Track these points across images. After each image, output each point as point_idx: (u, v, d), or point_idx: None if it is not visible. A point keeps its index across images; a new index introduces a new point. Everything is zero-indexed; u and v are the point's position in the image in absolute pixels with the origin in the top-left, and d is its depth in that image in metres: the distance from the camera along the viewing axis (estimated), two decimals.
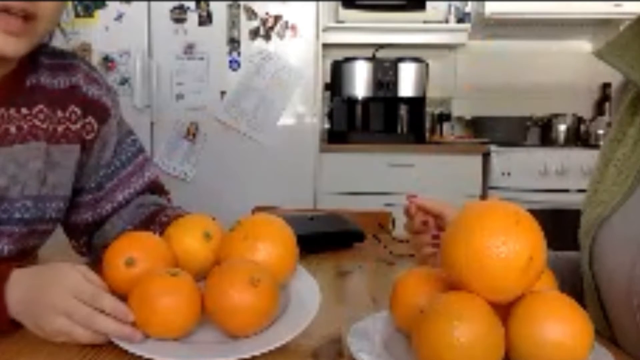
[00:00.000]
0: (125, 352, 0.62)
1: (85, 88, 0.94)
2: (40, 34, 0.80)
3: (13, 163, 0.85)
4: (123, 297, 0.65)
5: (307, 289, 0.73)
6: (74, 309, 0.63)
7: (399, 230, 1.47)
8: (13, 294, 0.66)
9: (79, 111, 0.93)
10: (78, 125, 0.93)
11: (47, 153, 0.89)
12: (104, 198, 0.98)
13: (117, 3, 2.62)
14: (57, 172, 0.91)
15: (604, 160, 0.74)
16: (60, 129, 0.91)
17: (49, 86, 0.91)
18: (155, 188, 1.05)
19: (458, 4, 3.14)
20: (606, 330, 0.72)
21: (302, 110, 2.73)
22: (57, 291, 0.64)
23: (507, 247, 0.54)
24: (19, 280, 0.67)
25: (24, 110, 0.87)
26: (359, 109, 3.10)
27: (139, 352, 0.61)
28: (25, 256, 0.91)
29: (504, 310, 0.57)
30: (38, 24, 0.78)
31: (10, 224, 0.86)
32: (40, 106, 0.88)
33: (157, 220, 0.92)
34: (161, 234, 0.76)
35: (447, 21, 3.12)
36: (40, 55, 0.92)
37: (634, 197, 0.68)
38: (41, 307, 0.64)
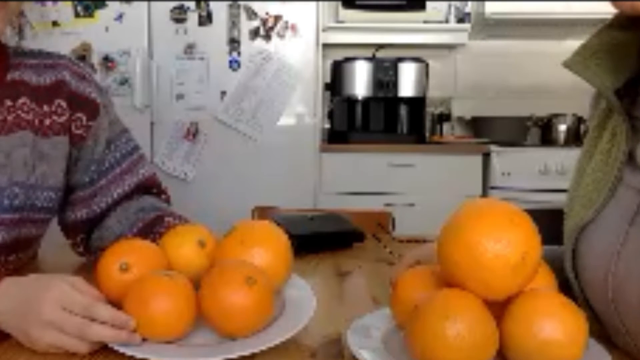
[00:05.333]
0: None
1: (73, 84, 0.95)
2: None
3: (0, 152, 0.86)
4: (117, 303, 0.64)
5: (302, 293, 0.73)
6: (64, 321, 0.62)
7: (399, 230, 1.47)
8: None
9: (65, 105, 0.94)
10: (64, 118, 0.94)
11: (34, 144, 0.90)
12: (97, 194, 0.99)
13: (117, 3, 2.62)
14: (46, 163, 0.92)
15: (581, 167, 0.75)
16: (47, 122, 0.92)
17: (33, 83, 0.92)
18: (152, 186, 1.05)
19: (458, 4, 3.13)
20: (602, 330, 0.72)
21: (302, 110, 2.72)
22: (45, 304, 0.62)
23: (500, 245, 0.55)
24: (5, 293, 0.66)
25: (7, 103, 0.89)
26: (359, 109, 3.10)
27: (133, 354, 0.61)
28: (20, 246, 0.92)
29: (500, 309, 0.57)
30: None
31: (0, 211, 0.86)
32: (24, 99, 0.90)
33: (155, 230, 0.93)
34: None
35: (447, 21, 3.12)
36: (23, 57, 0.94)
37: (612, 204, 0.68)
38: (29, 321, 0.62)
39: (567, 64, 0.71)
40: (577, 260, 0.71)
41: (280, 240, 0.73)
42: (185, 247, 0.74)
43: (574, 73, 0.70)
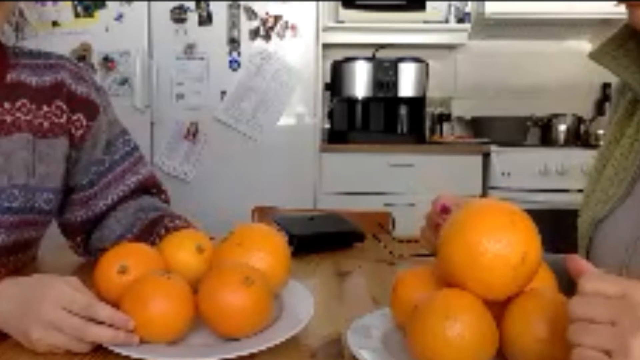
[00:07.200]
0: None
1: (73, 85, 0.95)
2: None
3: None
4: (115, 305, 0.64)
5: (301, 294, 0.74)
6: (63, 321, 0.62)
7: (399, 230, 1.47)
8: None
9: (65, 106, 0.94)
10: (63, 119, 0.94)
11: (33, 145, 0.90)
12: (97, 195, 0.99)
13: (117, 3, 2.62)
14: (45, 164, 0.92)
15: (602, 160, 0.75)
16: (46, 123, 0.92)
17: (32, 84, 0.92)
18: (151, 186, 1.05)
19: (458, 4, 3.13)
20: None
21: (302, 110, 2.72)
22: (44, 304, 0.62)
23: (500, 245, 0.55)
24: (5, 293, 0.66)
25: (6, 105, 0.89)
26: (359, 109, 3.10)
27: (130, 354, 0.61)
28: (20, 248, 0.92)
29: (500, 309, 0.57)
30: None
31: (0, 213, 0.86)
32: (23, 100, 0.90)
33: (155, 231, 0.93)
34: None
35: (447, 21, 3.12)
36: (22, 58, 0.94)
37: (630, 199, 0.68)
38: (29, 321, 0.62)
39: (593, 56, 0.71)
40: (591, 255, 0.71)
41: (278, 244, 0.73)
42: (183, 252, 0.74)
43: (599, 64, 0.70)
